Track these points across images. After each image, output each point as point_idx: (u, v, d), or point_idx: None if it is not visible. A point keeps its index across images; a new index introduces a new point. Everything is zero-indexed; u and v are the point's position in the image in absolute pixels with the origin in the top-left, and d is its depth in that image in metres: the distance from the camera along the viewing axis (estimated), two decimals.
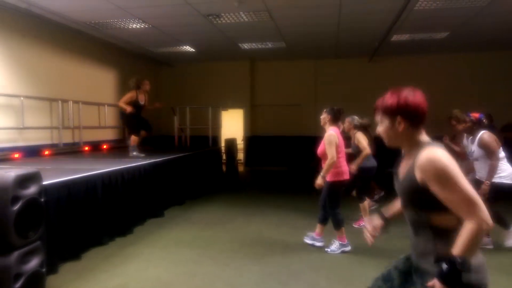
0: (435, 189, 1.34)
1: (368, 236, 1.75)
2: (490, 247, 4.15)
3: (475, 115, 4.04)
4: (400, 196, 1.55)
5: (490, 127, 4.69)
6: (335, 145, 3.87)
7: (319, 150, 4.05)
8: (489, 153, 3.85)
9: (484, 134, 3.92)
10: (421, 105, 1.45)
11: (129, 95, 6.07)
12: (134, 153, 6.17)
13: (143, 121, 6.38)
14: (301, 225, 5.16)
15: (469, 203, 1.29)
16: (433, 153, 1.37)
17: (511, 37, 8.12)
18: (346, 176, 4.06)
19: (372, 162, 5.02)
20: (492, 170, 3.85)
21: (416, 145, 1.46)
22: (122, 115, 6.27)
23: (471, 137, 4.10)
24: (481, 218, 1.28)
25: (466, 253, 1.29)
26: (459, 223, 1.35)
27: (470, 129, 4.07)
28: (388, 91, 1.51)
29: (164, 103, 7.25)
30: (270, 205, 6.40)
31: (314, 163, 4.74)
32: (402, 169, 1.55)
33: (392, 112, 1.46)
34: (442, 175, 1.32)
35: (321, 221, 4.21)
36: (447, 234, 1.39)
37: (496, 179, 3.87)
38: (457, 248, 1.30)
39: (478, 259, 1.39)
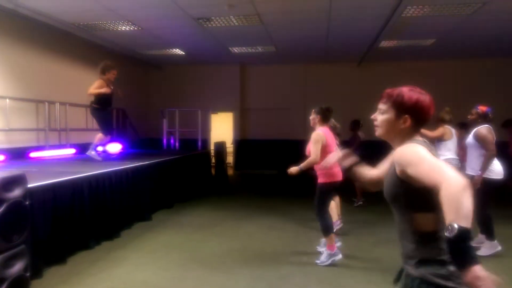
0: (410, 169, 1.31)
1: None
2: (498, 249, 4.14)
3: (483, 108, 4.13)
4: (385, 196, 1.51)
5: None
6: (320, 144, 3.75)
7: (307, 149, 3.96)
8: (484, 145, 3.97)
9: (481, 128, 4.04)
10: (430, 110, 1.46)
11: (98, 84, 5.43)
12: (93, 153, 5.68)
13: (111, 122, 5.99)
14: (291, 229, 5.17)
15: (437, 170, 1.23)
16: (406, 145, 1.40)
17: (494, 45, 8.35)
18: (338, 178, 3.87)
19: None
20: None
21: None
22: (94, 110, 5.64)
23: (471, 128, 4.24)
24: (450, 178, 1.17)
25: (457, 218, 1.11)
26: (439, 226, 1.34)
27: (475, 121, 4.17)
28: (406, 86, 1.49)
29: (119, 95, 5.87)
30: (260, 209, 6.39)
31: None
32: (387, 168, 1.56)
33: (403, 109, 1.45)
34: (412, 156, 1.33)
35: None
36: (429, 238, 1.38)
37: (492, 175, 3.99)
38: (448, 216, 1.14)
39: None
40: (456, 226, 1.09)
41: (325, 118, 3.94)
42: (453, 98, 9.82)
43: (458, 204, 1.12)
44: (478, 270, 1.07)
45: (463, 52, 9.29)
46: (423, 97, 1.45)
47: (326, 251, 3.88)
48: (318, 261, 3.85)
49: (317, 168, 3.90)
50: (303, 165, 3.81)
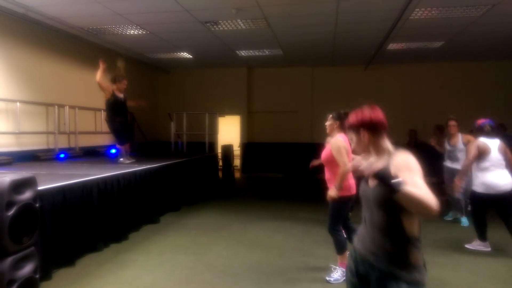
0: (405, 175, 1.55)
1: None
2: (488, 249, 4.22)
3: (479, 121, 4.25)
4: (371, 199, 1.69)
5: (505, 135, 5.02)
6: (345, 152, 3.36)
7: (323, 156, 3.59)
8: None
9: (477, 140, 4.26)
10: (379, 117, 1.73)
11: (106, 80, 5.80)
12: (121, 159, 6.11)
13: (128, 129, 6.20)
14: (297, 232, 5.15)
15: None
16: (406, 154, 1.65)
17: (504, 47, 8.25)
18: (353, 191, 3.48)
19: None
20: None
21: (384, 151, 1.72)
22: (106, 122, 6.00)
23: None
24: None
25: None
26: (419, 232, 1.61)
27: (475, 135, 4.32)
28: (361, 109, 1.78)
29: (144, 102, 7.33)
30: (266, 212, 6.39)
31: (314, 168, 4.54)
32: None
33: (357, 127, 1.76)
34: (411, 165, 1.59)
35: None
36: (412, 241, 1.59)
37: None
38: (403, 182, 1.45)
39: (420, 260, 1.61)
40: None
41: (344, 124, 3.42)
42: (462, 101, 9.75)
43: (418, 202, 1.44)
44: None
45: (472, 55, 9.19)
46: (365, 112, 1.74)
47: (339, 268, 3.59)
48: (331, 279, 3.54)
49: (330, 179, 3.57)
50: (337, 184, 3.38)
